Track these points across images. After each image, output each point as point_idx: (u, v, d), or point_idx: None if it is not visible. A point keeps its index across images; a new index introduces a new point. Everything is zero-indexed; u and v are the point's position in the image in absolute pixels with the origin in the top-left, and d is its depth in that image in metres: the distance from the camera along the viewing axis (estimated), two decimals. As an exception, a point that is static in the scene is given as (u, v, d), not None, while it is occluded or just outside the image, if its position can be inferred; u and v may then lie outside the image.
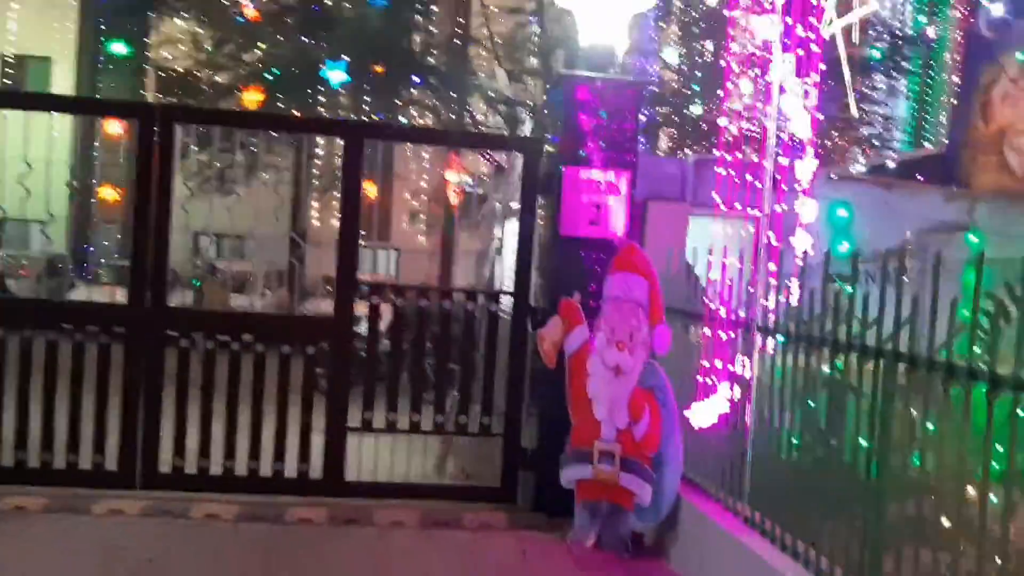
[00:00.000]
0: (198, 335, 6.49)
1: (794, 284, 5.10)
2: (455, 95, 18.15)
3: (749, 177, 6.88)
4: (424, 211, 21.52)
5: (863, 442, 4.34)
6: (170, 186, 6.44)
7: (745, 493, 5.12)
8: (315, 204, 21.32)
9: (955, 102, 10.17)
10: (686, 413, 5.46)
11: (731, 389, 5.28)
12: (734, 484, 5.24)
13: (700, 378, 5.49)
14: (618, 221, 6.52)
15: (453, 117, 18.85)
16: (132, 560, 5.11)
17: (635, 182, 6.54)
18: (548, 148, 6.84)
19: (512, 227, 8.01)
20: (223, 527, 5.83)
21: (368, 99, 17.32)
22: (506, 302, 6.89)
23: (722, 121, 5.61)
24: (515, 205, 7.82)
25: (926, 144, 11.67)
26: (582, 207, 6.51)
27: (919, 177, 9.86)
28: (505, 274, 7.98)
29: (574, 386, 6.04)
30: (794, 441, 4.83)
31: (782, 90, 5.21)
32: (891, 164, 11.38)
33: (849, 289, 6.38)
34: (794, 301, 5.06)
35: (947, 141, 10.38)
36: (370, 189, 21.78)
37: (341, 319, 6.62)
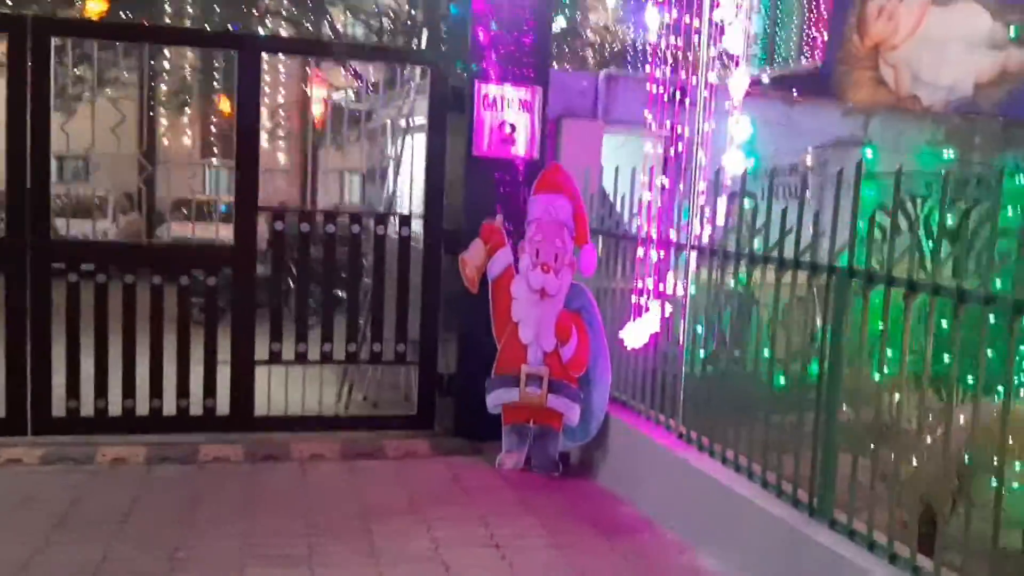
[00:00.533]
0: (88, 268, 6.00)
1: (722, 202, 5.13)
2: (312, 5, 17.37)
3: (668, 93, 6.86)
4: (284, 128, 20.69)
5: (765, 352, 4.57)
6: (48, 105, 5.85)
7: (678, 410, 5.19)
8: (164, 122, 20.11)
9: (829, 18, 10.37)
10: (619, 334, 5.45)
11: (661, 308, 5.30)
12: (665, 401, 5.31)
13: (629, 299, 5.50)
14: (532, 140, 6.38)
15: (310, 28, 18.06)
16: (48, 511, 4.75)
17: (547, 99, 6.39)
18: (456, 63, 6.56)
19: (411, 145, 7.75)
20: (135, 471, 5.50)
21: (218, 8, 16.35)
22: (416, 226, 6.67)
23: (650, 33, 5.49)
24: (414, 121, 7.55)
25: (802, 60, 11.95)
26: (495, 125, 6.32)
27: (795, 93, 10.08)
28: (407, 196, 7.72)
29: (498, 311, 5.94)
30: (703, 354, 4.98)
31: (715, 3, 5.13)
32: (765, 80, 11.60)
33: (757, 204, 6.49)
34: (721, 220, 5.10)
35: (804, 59, 10.63)
36: (224, 105, 20.96)
37: (243, 246, 6.26)
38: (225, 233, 14.00)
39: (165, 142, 20.37)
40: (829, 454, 4.02)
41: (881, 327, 3.93)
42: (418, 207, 6.66)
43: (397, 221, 6.62)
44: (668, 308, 5.33)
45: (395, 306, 6.60)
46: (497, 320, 5.95)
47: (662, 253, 5.32)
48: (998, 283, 3.51)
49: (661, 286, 5.28)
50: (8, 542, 4.35)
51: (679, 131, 5.86)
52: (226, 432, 6.24)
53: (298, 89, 19.75)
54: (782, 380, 4.67)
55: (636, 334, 5.31)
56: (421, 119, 7.63)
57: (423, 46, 12.97)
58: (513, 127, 6.34)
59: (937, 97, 9.03)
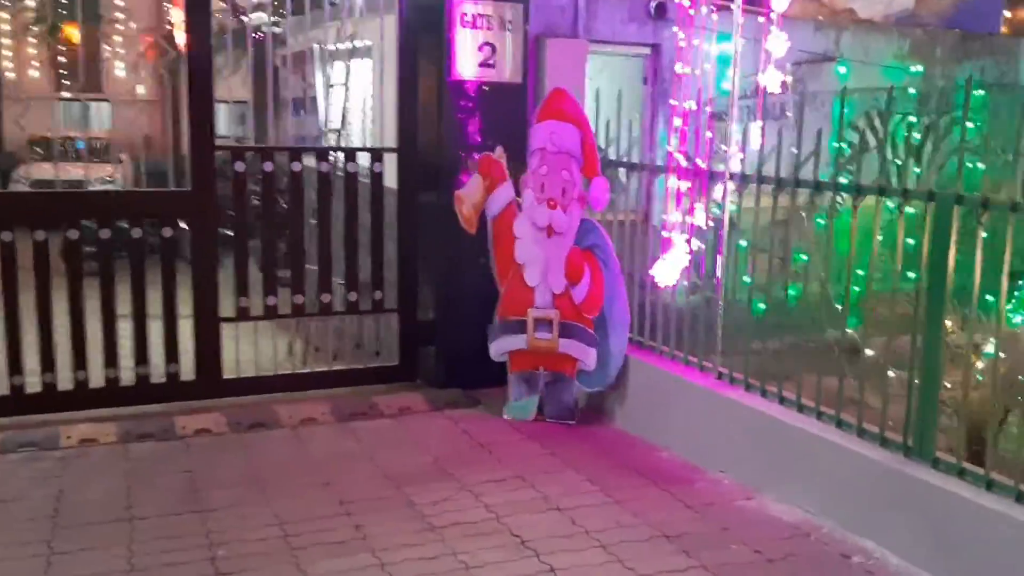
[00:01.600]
0: (23, 226, 5.19)
1: (755, 127, 4.81)
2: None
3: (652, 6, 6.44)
4: (142, 57, 19.09)
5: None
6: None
7: (715, 348, 4.92)
8: (7, 54, 18.21)
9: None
10: (650, 273, 5.09)
11: (689, 241, 4.98)
12: (696, 341, 5.02)
13: (652, 234, 5.15)
14: (514, 61, 5.87)
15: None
16: (32, 512, 4.08)
17: (528, 15, 5.88)
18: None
19: (354, 71, 7.09)
20: (110, 453, 4.84)
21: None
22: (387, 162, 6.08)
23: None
24: (344, 46, 6.89)
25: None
26: (474, 46, 5.77)
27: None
28: (358, 128, 7.09)
29: (500, 252, 5.50)
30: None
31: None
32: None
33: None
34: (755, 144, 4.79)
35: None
36: (73, 33, 19.16)
37: (202, 193, 5.54)
38: (100, 173, 12.75)
39: (11, 75, 18.56)
40: (929, 388, 3.82)
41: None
42: (389, 140, 6.06)
43: (369, 157, 6.00)
44: (696, 242, 5.01)
45: (370, 250, 6.04)
46: (499, 262, 5.50)
47: (687, 183, 4.97)
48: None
49: (689, 218, 4.94)
50: (5, 559, 3.69)
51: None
52: (194, 400, 5.60)
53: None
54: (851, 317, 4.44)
55: (666, 271, 4.97)
56: (367, 41, 7.00)
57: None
58: (494, 48, 5.81)
59: (875, 10, 8.93)
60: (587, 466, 4.75)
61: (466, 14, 5.73)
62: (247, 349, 5.76)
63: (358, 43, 6.83)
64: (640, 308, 5.37)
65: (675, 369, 5.08)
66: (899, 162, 7.54)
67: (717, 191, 4.90)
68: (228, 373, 5.75)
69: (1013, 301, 5.54)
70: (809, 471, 4.19)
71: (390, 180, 6.03)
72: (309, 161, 5.86)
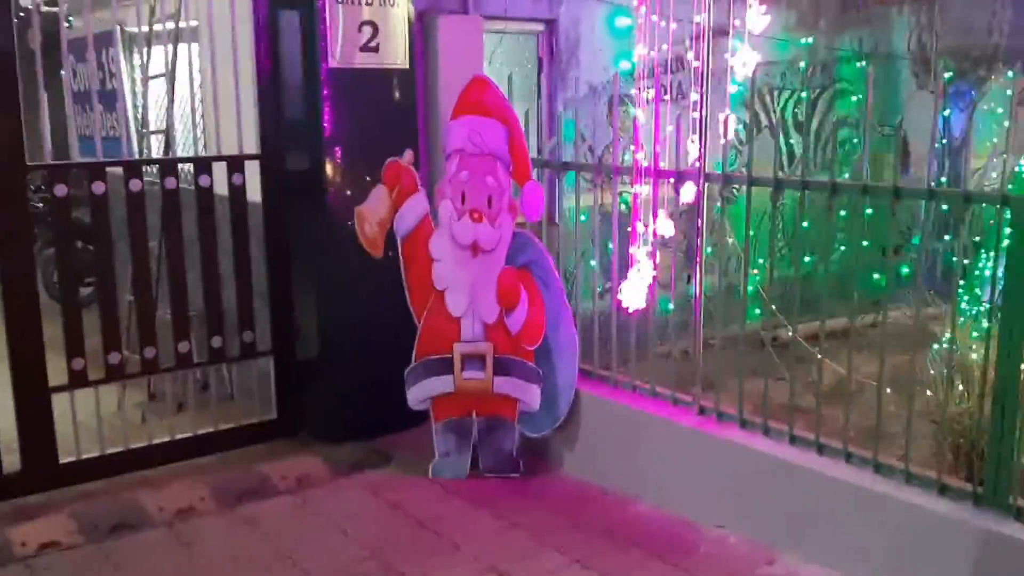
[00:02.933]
0: None
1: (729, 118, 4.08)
2: None
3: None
4: None
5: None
6: None
7: (696, 380, 4.19)
8: None
9: None
10: (619, 298, 4.26)
11: (653, 254, 4.20)
12: (667, 370, 4.28)
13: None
14: (400, 43, 4.85)
15: None
16: None
17: (414, -11, 4.87)
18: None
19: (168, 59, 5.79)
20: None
21: None
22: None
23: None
24: (165, 27, 5.59)
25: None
26: (352, 26, 4.71)
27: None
28: (190, 127, 5.78)
29: (414, 278, 4.52)
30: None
31: None
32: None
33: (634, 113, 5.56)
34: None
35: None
36: None
37: (12, 224, 4.19)
38: None
39: None
40: (1006, 424, 3.24)
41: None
42: (249, 146, 4.87)
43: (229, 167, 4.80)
44: (658, 254, 4.24)
45: (234, 283, 4.86)
46: (414, 290, 4.51)
47: (647, 186, 4.18)
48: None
49: (652, 227, 4.16)
50: None
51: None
52: (26, 496, 4.29)
53: None
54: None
55: (634, 293, 4.17)
56: (193, 22, 5.70)
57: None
58: (376, 28, 4.77)
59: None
60: (565, 539, 3.90)
61: (342, -14, 4.65)
62: (88, 421, 4.47)
63: (185, 23, 5.54)
64: (584, 329, 4.55)
65: (640, 403, 4.32)
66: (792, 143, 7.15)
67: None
68: (66, 455, 4.45)
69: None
70: (842, 525, 3.54)
71: (253, 194, 4.87)
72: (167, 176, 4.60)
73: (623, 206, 5.36)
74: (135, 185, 4.50)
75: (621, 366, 4.48)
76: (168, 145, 5.64)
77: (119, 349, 4.55)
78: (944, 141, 7.88)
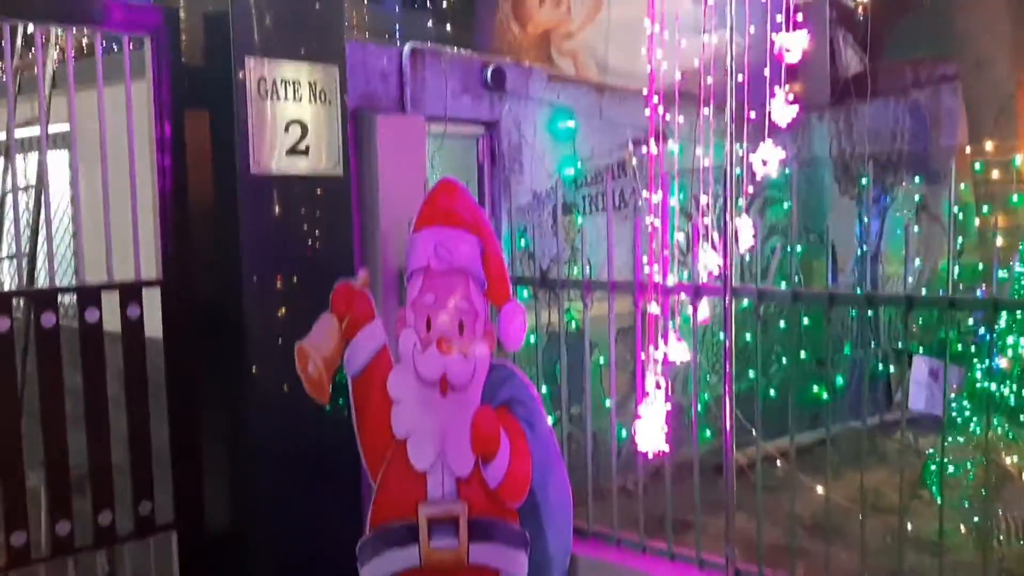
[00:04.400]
0: None
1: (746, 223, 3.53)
2: None
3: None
4: None
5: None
6: None
7: (731, 534, 3.50)
8: None
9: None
10: (638, 440, 3.53)
11: (664, 383, 3.53)
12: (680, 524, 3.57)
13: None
14: (333, 145, 4.12)
15: None
16: None
17: (346, 84, 4.17)
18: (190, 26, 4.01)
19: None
20: None
21: None
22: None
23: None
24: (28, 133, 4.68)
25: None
26: (277, 125, 3.96)
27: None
28: (58, 255, 4.80)
29: (368, 425, 3.66)
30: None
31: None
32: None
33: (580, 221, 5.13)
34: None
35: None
36: None
37: None
38: None
39: None
40: None
41: None
42: (146, 270, 3.95)
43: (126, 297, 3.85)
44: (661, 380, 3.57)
45: (127, 442, 3.88)
46: (368, 441, 3.65)
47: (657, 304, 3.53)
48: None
49: (662, 347, 3.50)
50: None
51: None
52: None
53: None
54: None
55: (652, 431, 3.46)
56: (62, 126, 4.79)
57: None
58: (304, 128, 4.03)
59: (632, 84, 8.23)
60: None
61: (265, 79, 3.90)
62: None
63: (55, 128, 4.61)
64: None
65: (655, 568, 3.56)
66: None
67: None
68: None
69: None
70: None
71: (152, 328, 3.94)
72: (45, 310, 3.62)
73: (573, 324, 4.80)
74: (2, 324, 3.50)
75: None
76: (31, 274, 4.64)
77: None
78: (864, 248, 7.72)
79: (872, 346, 7.86)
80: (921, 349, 7.07)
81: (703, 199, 3.58)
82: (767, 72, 3.36)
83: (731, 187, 3.47)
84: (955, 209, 3.93)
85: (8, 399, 3.52)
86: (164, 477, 3.98)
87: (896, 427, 5.90)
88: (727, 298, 3.37)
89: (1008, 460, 4.07)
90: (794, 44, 3.29)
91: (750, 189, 3.49)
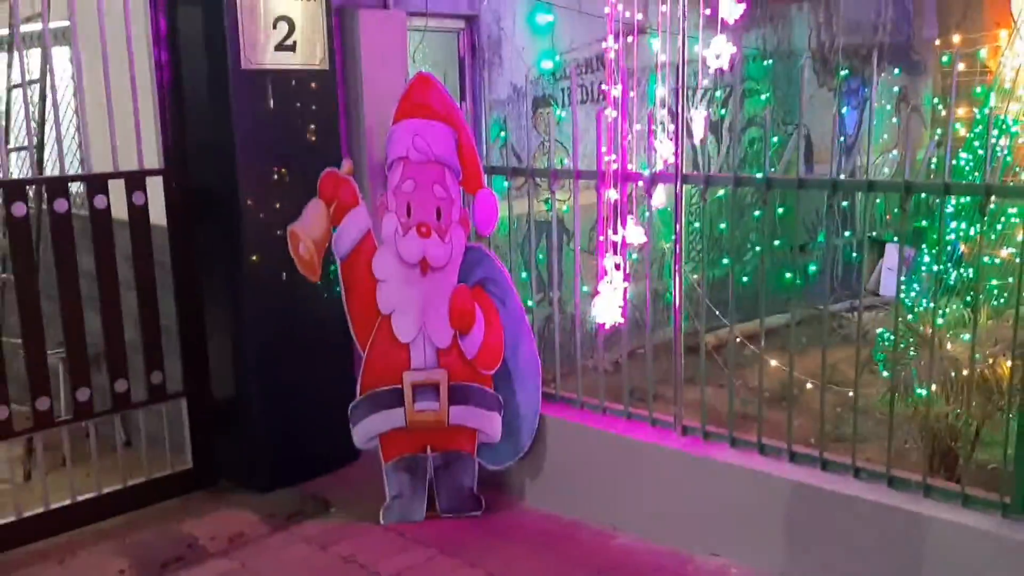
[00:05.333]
0: None
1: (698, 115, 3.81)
2: None
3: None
4: None
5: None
6: None
7: (678, 398, 3.89)
8: None
9: None
10: (595, 313, 3.90)
11: (623, 263, 3.87)
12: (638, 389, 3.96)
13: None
14: (319, 41, 4.36)
15: None
16: None
17: (331, -19, 4.39)
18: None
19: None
20: None
21: None
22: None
23: None
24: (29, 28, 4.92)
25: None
26: (265, 21, 4.19)
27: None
28: (67, 144, 5.07)
29: (356, 302, 4.04)
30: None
31: None
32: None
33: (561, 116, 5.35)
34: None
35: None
36: None
37: None
38: None
39: None
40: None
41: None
42: (148, 159, 4.25)
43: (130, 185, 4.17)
44: (623, 261, 3.91)
45: (138, 318, 4.25)
46: (357, 316, 4.03)
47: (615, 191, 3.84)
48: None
49: (621, 231, 3.83)
50: None
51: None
52: None
53: None
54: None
55: (607, 306, 3.82)
56: (63, 23, 5.03)
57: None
58: (292, 24, 4.26)
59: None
60: (554, 586, 3.52)
61: (253, -24, 4.12)
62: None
63: (56, 24, 4.85)
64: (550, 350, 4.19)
65: (613, 426, 3.98)
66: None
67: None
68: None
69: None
70: (854, 546, 3.30)
71: (156, 216, 4.26)
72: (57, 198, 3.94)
73: (549, 212, 5.06)
74: (19, 209, 3.83)
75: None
76: (40, 164, 4.94)
77: (5, 402, 3.86)
78: (841, 139, 7.93)
79: (847, 235, 8.14)
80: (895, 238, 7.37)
81: (660, 92, 3.83)
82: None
83: (682, 80, 3.73)
84: (935, 100, 4.08)
85: (29, 280, 3.87)
86: (173, 351, 4.36)
87: (870, 309, 6.28)
88: (677, 185, 3.68)
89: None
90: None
91: (705, 82, 3.73)
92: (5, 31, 4.94)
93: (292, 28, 4.27)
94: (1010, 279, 3.86)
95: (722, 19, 3.65)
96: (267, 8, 4.16)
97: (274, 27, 4.21)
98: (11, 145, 5.45)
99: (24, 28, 4.73)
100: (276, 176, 4.26)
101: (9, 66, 5.24)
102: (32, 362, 3.91)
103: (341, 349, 4.36)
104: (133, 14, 4.09)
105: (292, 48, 4.28)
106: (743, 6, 3.64)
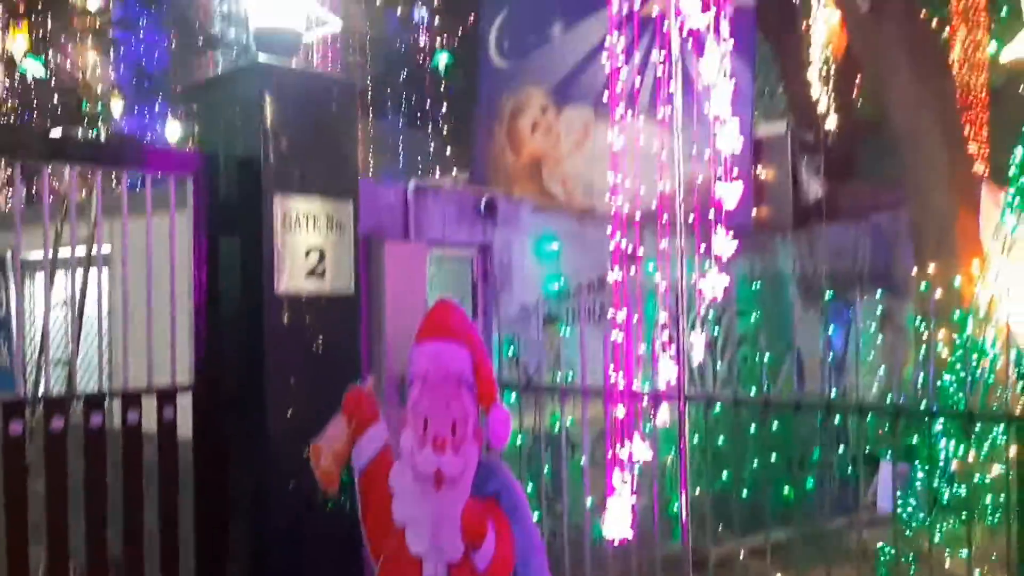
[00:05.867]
0: None
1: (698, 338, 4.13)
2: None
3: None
4: None
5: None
6: None
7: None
8: None
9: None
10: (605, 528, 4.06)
11: (631, 476, 4.07)
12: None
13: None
14: (345, 268, 4.74)
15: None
16: None
17: (358, 215, 4.82)
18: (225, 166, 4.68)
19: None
20: None
21: None
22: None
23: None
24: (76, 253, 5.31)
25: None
26: (300, 252, 4.58)
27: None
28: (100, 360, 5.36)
29: (372, 515, 4.17)
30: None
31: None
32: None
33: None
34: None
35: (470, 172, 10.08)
36: None
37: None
38: None
39: None
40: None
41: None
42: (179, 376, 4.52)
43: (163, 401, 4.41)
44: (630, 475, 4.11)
45: (159, 547, 4.38)
46: (372, 529, 4.16)
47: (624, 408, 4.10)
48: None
49: (628, 446, 4.05)
50: None
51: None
52: None
53: None
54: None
55: (619, 521, 3.99)
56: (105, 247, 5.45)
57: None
58: (322, 254, 4.65)
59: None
60: None
61: (289, 213, 4.55)
62: None
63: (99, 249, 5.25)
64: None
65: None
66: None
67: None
68: None
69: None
70: None
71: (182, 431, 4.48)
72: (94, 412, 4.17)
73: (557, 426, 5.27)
74: (57, 424, 4.06)
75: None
76: (71, 378, 5.20)
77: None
78: (831, 358, 8.28)
79: (841, 450, 8.33)
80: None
81: (662, 317, 4.17)
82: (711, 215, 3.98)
83: (683, 308, 4.07)
84: (917, 320, 4.36)
85: (63, 494, 4.03)
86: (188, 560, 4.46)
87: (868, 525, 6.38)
88: (681, 404, 3.94)
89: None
90: (730, 194, 3.93)
91: (702, 311, 4.07)
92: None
93: (322, 257, 4.66)
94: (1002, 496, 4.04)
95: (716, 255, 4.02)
96: (300, 241, 4.56)
97: (306, 256, 4.59)
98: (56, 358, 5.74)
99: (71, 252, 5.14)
100: (302, 389, 4.51)
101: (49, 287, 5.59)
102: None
103: (354, 562, 4.46)
104: (178, 244, 4.48)
105: (321, 275, 4.65)
106: (736, 243, 4.03)
